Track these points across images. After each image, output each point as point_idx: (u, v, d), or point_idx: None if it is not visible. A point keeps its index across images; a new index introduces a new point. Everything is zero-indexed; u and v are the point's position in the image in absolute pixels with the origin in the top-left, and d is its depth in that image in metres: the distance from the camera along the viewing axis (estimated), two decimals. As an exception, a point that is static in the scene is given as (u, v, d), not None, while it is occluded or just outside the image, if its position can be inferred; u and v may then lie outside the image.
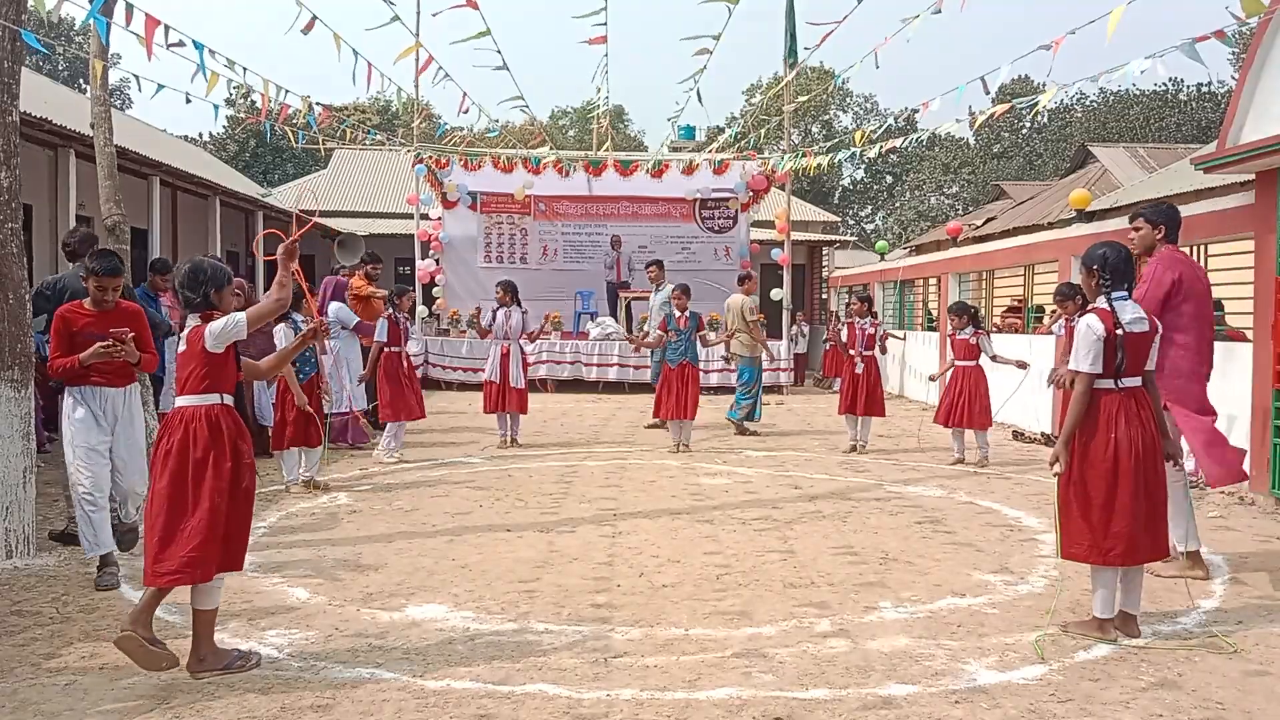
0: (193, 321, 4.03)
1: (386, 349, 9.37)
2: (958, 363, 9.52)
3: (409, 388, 9.42)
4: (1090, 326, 4.31)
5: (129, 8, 6.98)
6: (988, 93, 8.78)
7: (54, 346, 5.03)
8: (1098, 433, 4.30)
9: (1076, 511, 4.36)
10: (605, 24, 11.29)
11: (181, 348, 4.04)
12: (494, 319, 10.41)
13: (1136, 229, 5.50)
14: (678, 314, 10.20)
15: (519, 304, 10.48)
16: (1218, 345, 8.66)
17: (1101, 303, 4.41)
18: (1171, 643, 4.36)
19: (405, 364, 9.46)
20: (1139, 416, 4.32)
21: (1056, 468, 4.39)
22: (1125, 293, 4.42)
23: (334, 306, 10.13)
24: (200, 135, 41.92)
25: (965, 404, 9.27)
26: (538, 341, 16.41)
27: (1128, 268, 4.46)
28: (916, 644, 4.31)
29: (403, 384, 9.36)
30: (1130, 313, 4.37)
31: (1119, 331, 4.29)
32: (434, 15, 9.74)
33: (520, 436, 10.50)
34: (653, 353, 11.86)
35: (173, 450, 3.88)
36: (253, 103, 25.62)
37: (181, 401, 4.00)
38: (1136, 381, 4.38)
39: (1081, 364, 4.31)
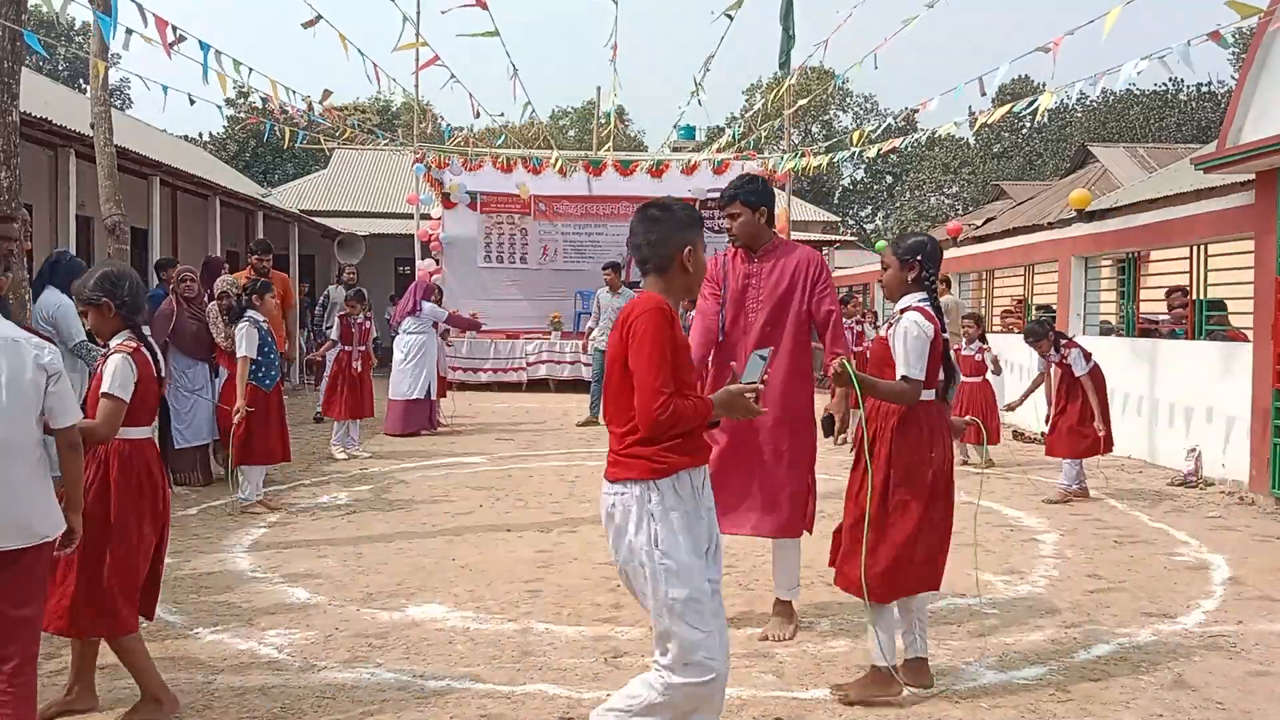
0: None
1: (340, 348, 9.70)
2: (964, 379, 9.45)
3: (355, 388, 9.54)
4: (919, 325, 3.68)
5: (139, 8, 6.98)
6: (984, 94, 8.78)
7: None
8: (920, 448, 3.69)
9: (873, 536, 3.67)
10: (615, 32, 11.33)
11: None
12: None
13: (734, 215, 4.40)
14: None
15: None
16: (1218, 345, 8.72)
17: (923, 301, 3.77)
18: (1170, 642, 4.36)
19: (357, 364, 9.60)
20: (944, 437, 3.76)
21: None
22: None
23: (428, 307, 11.22)
24: (200, 135, 41.92)
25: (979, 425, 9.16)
26: (539, 341, 16.51)
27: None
28: (917, 644, 4.31)
29: (349, 383, 9.51)
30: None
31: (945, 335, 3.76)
32: (443, 13, 9.68)
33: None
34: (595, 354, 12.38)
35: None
36: (251, 103, 25.60)
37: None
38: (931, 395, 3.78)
39: (911, 369, 3.65)
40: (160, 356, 3.65)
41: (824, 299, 4.37)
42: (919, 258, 3.78)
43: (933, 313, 3.72)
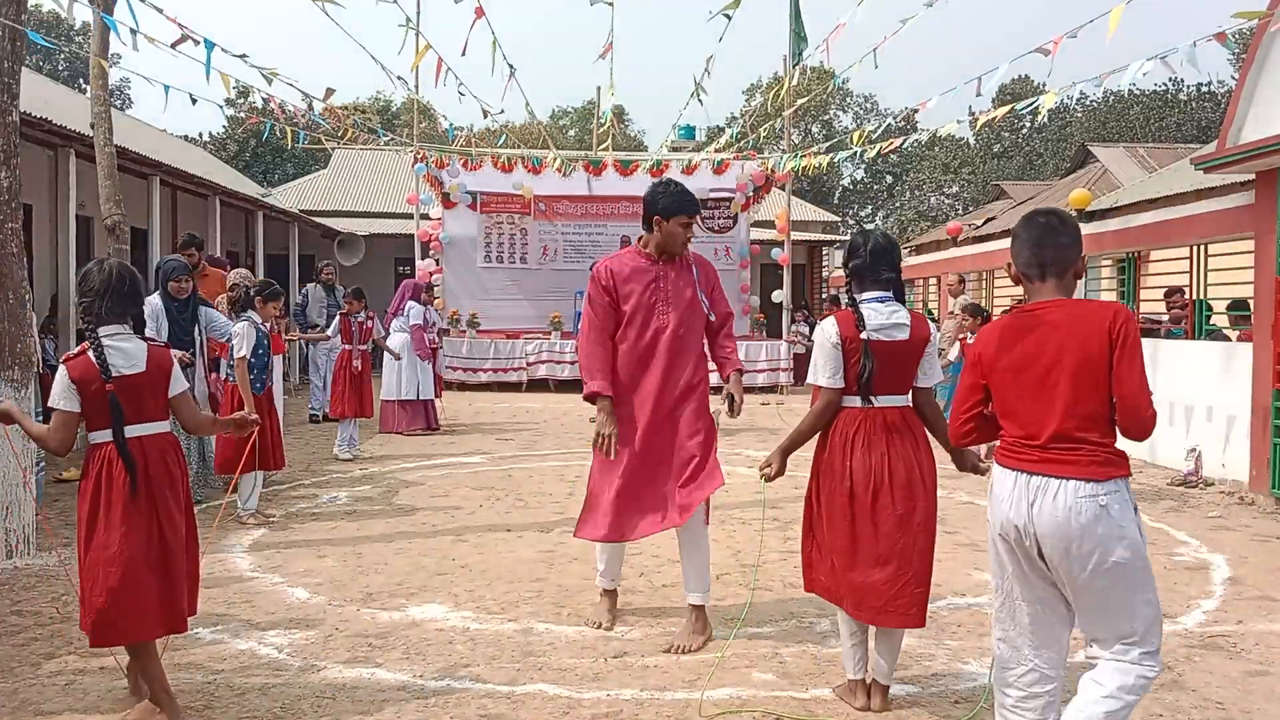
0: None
1: (341, 347, 9.72)
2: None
3: (355, 386, 9.54)
4: (823, 331, 3.63)
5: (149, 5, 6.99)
6: (979, 94, 8.79)
7: None
8: (833, 458, 3.65)
9: (811, 543, 3.82)
10: (612, 30, 11.34)
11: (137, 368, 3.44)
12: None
13: (688, 224, 4.35)
14: None
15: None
16: (1218, 345, 8.71)
17: (867, 301, 3.66)
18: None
19: (357, 363, 9.60)
20: (868, 445, 3.56)
21: (767, 471, 3.85)
22: (885, 292, 3.65)
23: (410, 305, 11.26)
24: (200, 135, 41.91)
25: None
26: (538, 340, 16.51)
27: (881, 260, 3.66)
28: (916, 644, 4.31)
29: (348, 383, 9.53)
30: (882, 317, 3.56)
31: (864, 338, 3.53)
32: (454, 43, 9.77)
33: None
34: None
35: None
36: (252, 103, 25.58)
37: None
38: (894, 400, 3.60)
39: (816, 375, 3.64)
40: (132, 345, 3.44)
41: (721, 300, 4.52)
42: (850, 263, 3.75)
43: (857, 313, 3.57)
